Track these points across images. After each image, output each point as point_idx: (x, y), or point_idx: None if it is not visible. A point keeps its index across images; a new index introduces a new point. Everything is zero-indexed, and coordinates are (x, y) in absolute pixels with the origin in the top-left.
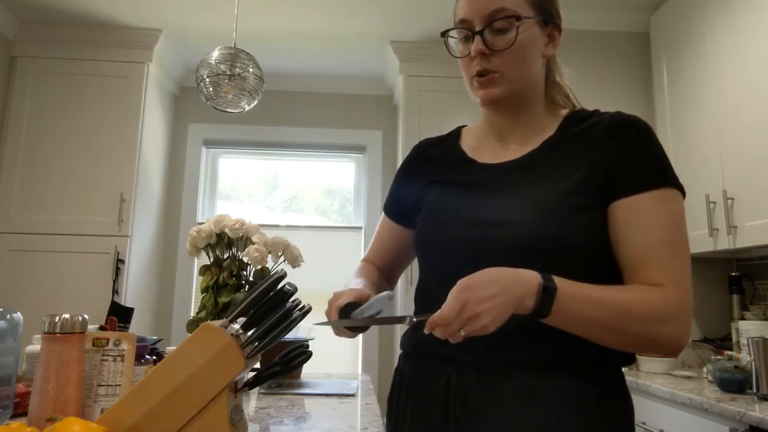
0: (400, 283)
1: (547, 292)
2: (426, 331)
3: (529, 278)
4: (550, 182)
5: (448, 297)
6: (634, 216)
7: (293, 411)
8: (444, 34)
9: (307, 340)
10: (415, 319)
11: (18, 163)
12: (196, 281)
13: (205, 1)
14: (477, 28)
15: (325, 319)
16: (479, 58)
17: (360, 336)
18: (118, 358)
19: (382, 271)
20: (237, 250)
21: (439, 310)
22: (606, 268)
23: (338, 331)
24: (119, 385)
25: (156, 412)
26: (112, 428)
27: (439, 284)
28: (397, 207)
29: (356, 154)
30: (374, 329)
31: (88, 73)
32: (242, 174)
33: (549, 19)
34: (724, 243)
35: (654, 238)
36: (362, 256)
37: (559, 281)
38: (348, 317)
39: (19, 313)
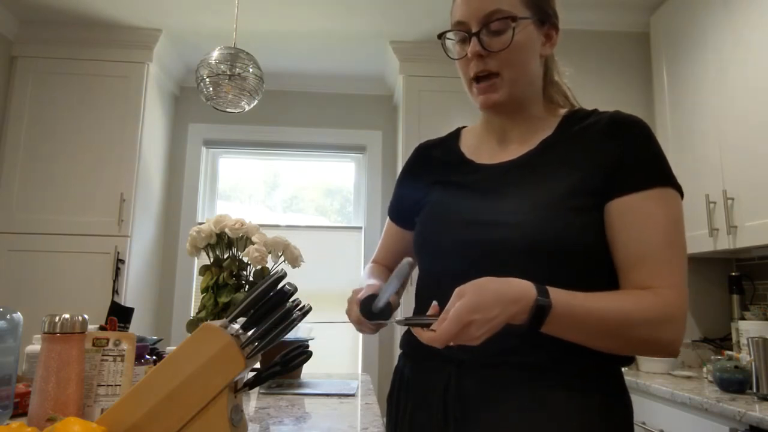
0: None
1: (540, 311)
2: (415, 334)
3: (525, 294)
4: (548, 183)
5: (452, 314)
6: (630, 215)
7: (293, 411)
8: (441, 36)
9: (307, 340)
10: (405, 321)
11: (18, 163)
12: (196, 281)
13: (205, 1)
14: (473, 30)
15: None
16: (476, 59)
17: (360, 336)
18: (118, 358)
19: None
20: (237, 250)
21: (439, 330)
22: (605, 268)
23: (361, 326)
24: (119, 385)
25: (156, 412)
26: (112, 428)
27: (439, 284)
28: (400, 210)
29: (356, 154)
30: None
31: (88, 73)
32: (242, 174)
33: (546, 18)
34: (724, 243)
35: (650, 238)
36: (362, 256)
37: (554, 295)
38: (369, 310)
39: (19, 313)
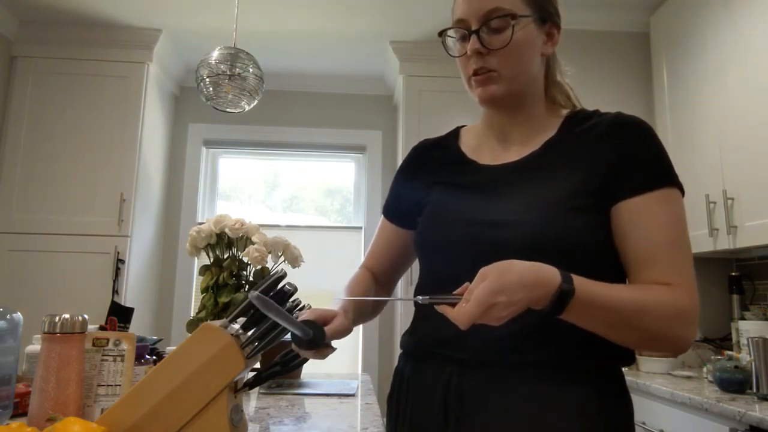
0: (400, 283)
1: (563, 297)
2: (441, 311)
3: (550, 280)
4: (550, 183)
5: (475, 296)
6: (637, 217)
7: (293, 411)
8: (441, 33)
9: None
10: (429, 300)
11: (18, 163)
12: (196, 281)
13: (205, 1)
14: (473, 28)
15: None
16: (476, 57)
17: (360, 336)
18: (118, 358)
19: (378, 278)
20: (237, 250)
21: (462, 311)
22: (607, 268)
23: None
24: (119, 385)
25: (156, 412)
26: (112, 428)
27: (441, 284)
28: (396, 209)
29: (356, 154)
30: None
31: (88, 73)
32: (242, 174)
33: (546, 16)
34: (724, 243)
35: (658, 238)
36: (362, 256)
37: (577, 282)
38: (299, 339)
39: (19, 313)
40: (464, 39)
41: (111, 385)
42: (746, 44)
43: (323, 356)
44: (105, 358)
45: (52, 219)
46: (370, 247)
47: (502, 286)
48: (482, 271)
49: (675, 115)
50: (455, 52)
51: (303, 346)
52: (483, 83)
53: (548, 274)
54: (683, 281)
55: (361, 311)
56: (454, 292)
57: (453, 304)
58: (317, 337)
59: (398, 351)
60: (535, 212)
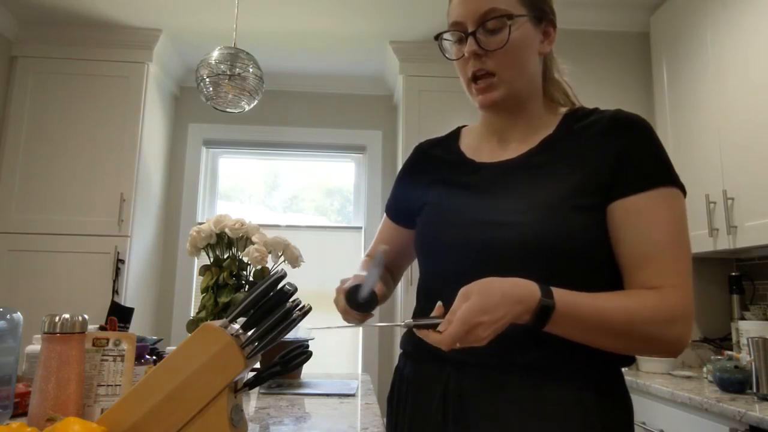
0: (401, 284)
1: (544, 312)
2: (421, 336)
3: (530, 295)
4: (549, 182)
5: (458, 317)
6: (634, 216)
7: (293, 411)
8: (438, 37)
9: (307, 340)
10: (413, 323)
11: (18, 163)
12: (196, 281)
13: (205, 1)
14: (470, 30)
15: (327, 321)
16: (473, 59)
17: (360, 336)
18: (118, 358)
19: (386, 266)
20: (237, 250)
21: (446, 333)
22: (606, 268)
23: (347, 316)
24: (119, 385)
25: (156, 412)
26: (112, 428)
27: (441, 284)
28: (398, 209)
29: (356, 154)
30: (380, 310)
31: (88, 73)
32: (242, 174)
33: (542, 15)
34: (724, 243)
35: (655, 238)
36: (362, 256)
37: (558, 295)
38: (355, 300)
39: (19, 313)
40: (461, 41)
41: (111, 385)
42: (746, 44)
43: (365, 320)
44: (105, 358)
45: (52, 219)
46: (372, 242)
47: (485, 304)
48: (464, 290)
49: (675, 114)
50: (452, 55)
51: (355, 306)
52: (484, 90)
53: (528, 289)
54: (677, 282)
55: (385, 286)
56: (432, 314)
57: (435, 326)
58: (371, 303)
59: (398, 351)
60: (535, 212)
